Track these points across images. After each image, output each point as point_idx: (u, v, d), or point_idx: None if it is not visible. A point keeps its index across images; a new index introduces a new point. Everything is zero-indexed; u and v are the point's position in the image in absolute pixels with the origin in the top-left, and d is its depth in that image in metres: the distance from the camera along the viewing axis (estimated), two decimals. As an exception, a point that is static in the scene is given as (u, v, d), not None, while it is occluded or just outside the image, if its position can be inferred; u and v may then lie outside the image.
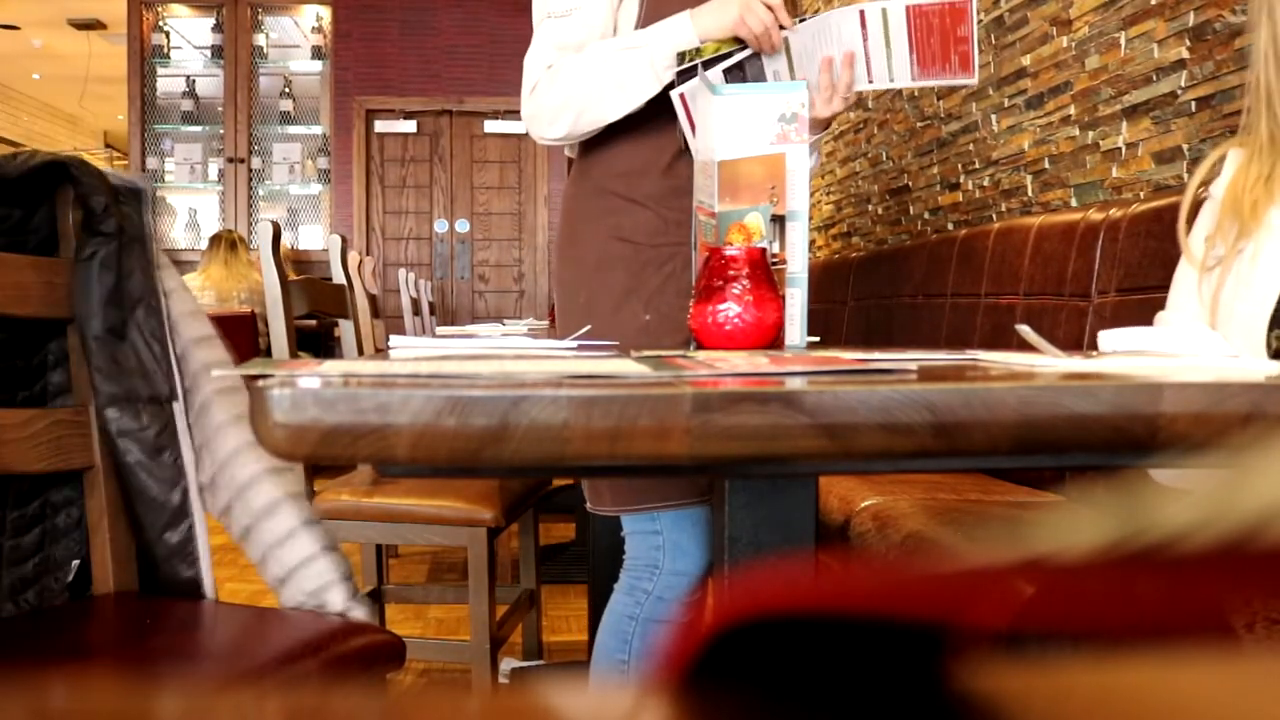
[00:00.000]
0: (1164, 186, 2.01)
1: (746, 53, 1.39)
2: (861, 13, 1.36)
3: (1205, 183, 1.23)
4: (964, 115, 2.88)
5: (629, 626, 1.43)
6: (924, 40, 1.35)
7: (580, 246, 1.52)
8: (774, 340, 1.15)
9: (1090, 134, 2.27)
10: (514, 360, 0.74)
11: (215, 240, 4.94)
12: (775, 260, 1.26)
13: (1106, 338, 1.11)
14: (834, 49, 1.40)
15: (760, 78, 1.41)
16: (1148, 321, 1.27)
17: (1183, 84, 1.96)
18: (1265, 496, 0.13)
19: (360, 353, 2.26)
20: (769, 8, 1.35)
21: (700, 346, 1.17)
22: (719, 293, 1.13)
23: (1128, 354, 1.08)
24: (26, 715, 0.16)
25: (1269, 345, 1.10)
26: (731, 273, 1.13)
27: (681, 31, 1.37)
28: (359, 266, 3.11)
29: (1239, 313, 1.13)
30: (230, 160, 6.12)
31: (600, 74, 1.38)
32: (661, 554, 1.42)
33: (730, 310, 1.12)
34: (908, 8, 1.34)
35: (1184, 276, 1.24)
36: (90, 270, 1.05)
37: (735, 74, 1.41)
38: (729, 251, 1.14)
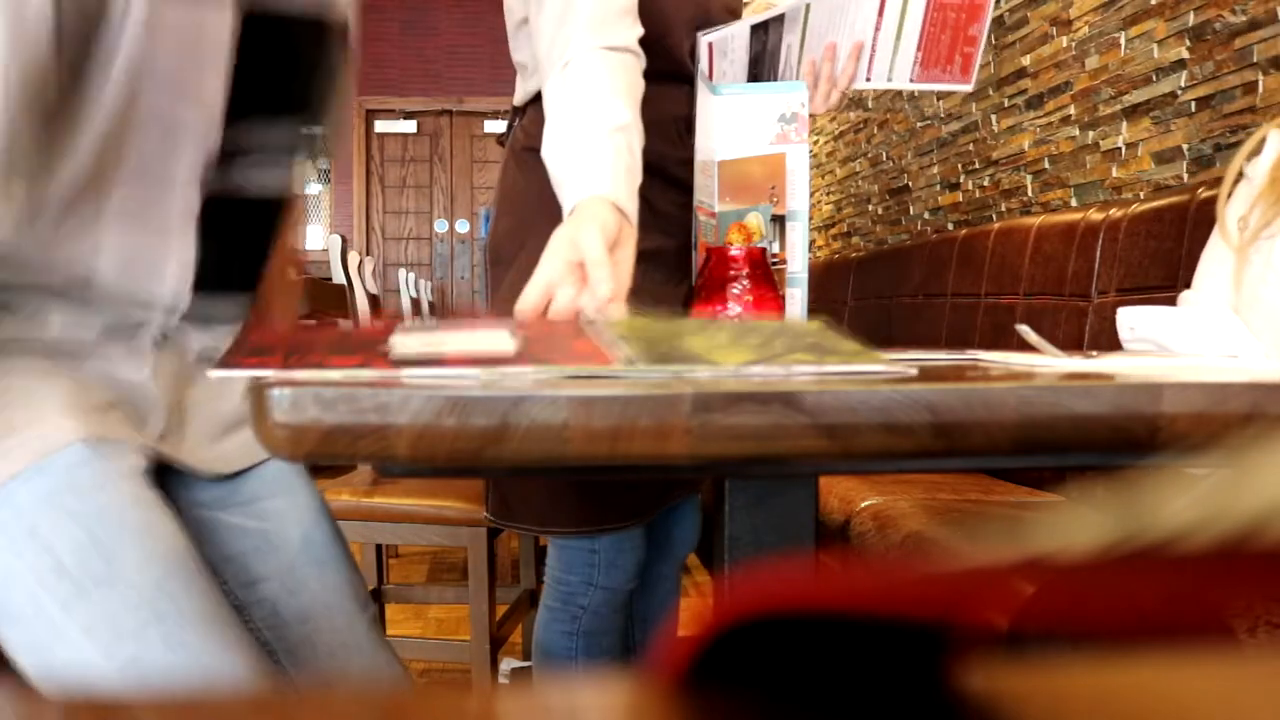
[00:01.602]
0: (1164, 186, 2.01)
1: (774, 11, 1.31)
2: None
3: (1249, 160, 1.22)
4: (964, 115, 2.88)
5: (570, 642, 1.40)
6: (935, 36, 1.31)
7: (552, 221, 1.22)
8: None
9: (1090, 134, 2.27)
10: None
11: None
12: (775, 260, 1.26)
13: (1126, 315, 1.10)
14: (844, 35, 1.33)
15: (777, 47, 1.34)
16: None
17: (1183, 84, 1.96)
18: (1265, 496, 0.13)
19: (360, 353, 2.26)
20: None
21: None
22: (719, 293, 1.13)
23: (1141, 350, 1.08)
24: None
25: None
26: (731, 273, 1.13)
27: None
28: (359, 266, 3.11)
29: (1264, 297, 1.11)
30: (230, 160, 6.12)
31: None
32: (596, 571, 1.38)
33: (730, 310, 1.12)
34: None
35: (1214, 255, 1.22)
36: None
37: (758, 34, 1.34)
38: (729, 251, 1.14)
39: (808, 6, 1.32)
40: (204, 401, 0.92)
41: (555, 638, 1.41)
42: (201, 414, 0.91)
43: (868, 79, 1.37)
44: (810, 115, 1.35)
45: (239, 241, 0.91)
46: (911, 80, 1.35)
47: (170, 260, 0.86)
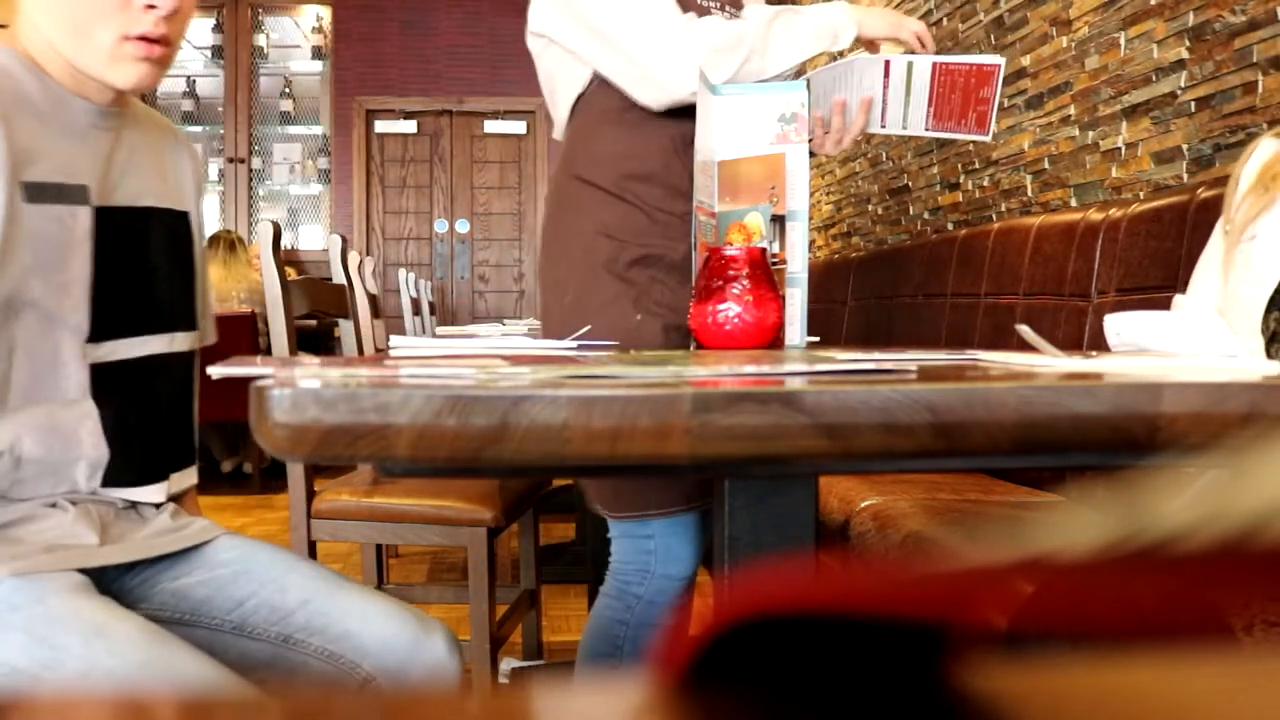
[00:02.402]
0: (1164, 186, 2.01)
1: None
2: (887, 63, 1.34)
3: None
4: (964, 115, 2.88)
5: (620, 631, 1.40)
6: (945, 96, 1.34)
7: (567, 240, 1.46)
8: (774, 340, 1.15)
9: (1090, 134, 2.27)
10: (514, 360, 0.74)
11: (214, 241, 4.93)
12: (775, 260, 1.26)
13: (1113, 321, 1.11)
14: (852, 93, 1.38)
15: None
16: None
17: (1182, 84, 1.96)
18: (1265, 496, 0.13)
19: (360, 353, 2.26)
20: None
21: (700, 346, 1.17)
22: (719, 293, 1.13)
23: (1129, 353, 1.08)
24: None
25: (1265, 328, 1.09)
26: (731, 273, 1.13)
27: (841, 17, 1.35)
28: (359, 266, 3.11)
29: (1241, 294, 1.12)
30: (230, 160, 6.12)
31: (769, 27, 1.34)
32: (653, 558, 1.39)
33: (730, 310, 1.12)
34: (934, 65, 1.32)
35: (1208, 260, 1.23)
36: None
37: None
38: (729, 251, 1.14)
39: (808, 79, 1.36)
40: (136, 525, 1.04)
41: (606, 625, 1.42)
42: (137, 533, 1.02)
43: (883, 125, 1.40)
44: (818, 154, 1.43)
45: (143, 403, 1.05)
46: (927, 129, 1.38)
47: (81, 426, 0.98)
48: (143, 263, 1.05)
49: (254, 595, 1.02)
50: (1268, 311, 1.09)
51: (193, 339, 1.11)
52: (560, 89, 1.45)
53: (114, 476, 1.00)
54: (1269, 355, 1.08)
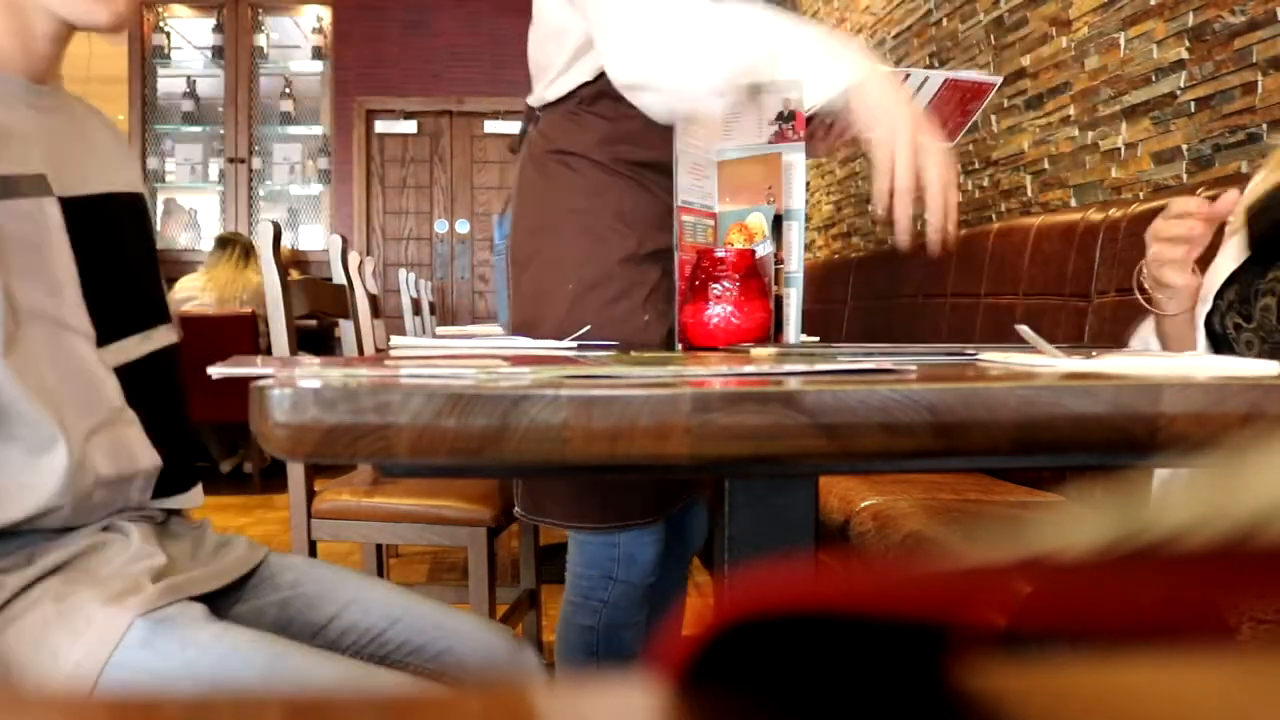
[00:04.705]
0: (1164, 187, 2.01)
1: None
2: (906, 75, 1.33)
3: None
4: (964, 115, 2.88)
5: (591, 636, 1.39)
6: (940, 107, 1.35)
7: (572, 222, 1.34)
8: (763, 340, 1.15)
9: (1090, 134, 2.27)
10: (514, 360, 0.74)
11: (230, 244, 4.90)
12: (776, 260, 1.26)
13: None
14: None
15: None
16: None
17: (1182, 84, 1.96)
18: (1265, 496, 0.13)
19: (360, 353, 2.26)
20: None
21: (689, 346, 1.17)
22: (703, 293, 1.13)
23: (1126, 354, 1.08)
24: None
25: (1210, 327, 1.09)
26: (717, 274, 1.13)
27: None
28: (359, 266, 3.11)
29: (1204, 296, 1.13)
30: (231, 160, 6.12)
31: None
32: (616, 565, 1.37)
33: (716, 311, 1.12)
34: (946, 80, 1.32)
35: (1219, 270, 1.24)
36: None
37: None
38: (717, 253, 1.14)
39: None
40: (190, 542, 0.98)
41: (576, 633, 1.41)
42: (194, 557, 0.97)
43: None
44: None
45: (169, 404, 1.00)
46: None
47: (130, 436, 0.93)
48: (119, 254, 0.98)
49: (336, 618, 0.97)
50: (1211, 314, 1.09)
51: (173, 331, 1.04)
52: (563, 41, 1.32)
53: (161, 486, 0.95)
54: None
